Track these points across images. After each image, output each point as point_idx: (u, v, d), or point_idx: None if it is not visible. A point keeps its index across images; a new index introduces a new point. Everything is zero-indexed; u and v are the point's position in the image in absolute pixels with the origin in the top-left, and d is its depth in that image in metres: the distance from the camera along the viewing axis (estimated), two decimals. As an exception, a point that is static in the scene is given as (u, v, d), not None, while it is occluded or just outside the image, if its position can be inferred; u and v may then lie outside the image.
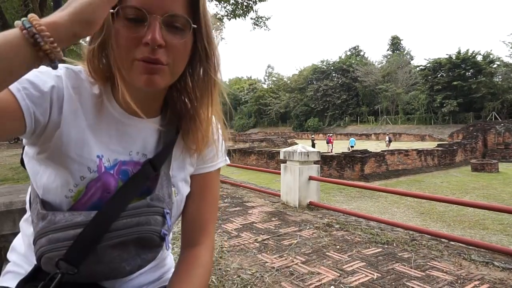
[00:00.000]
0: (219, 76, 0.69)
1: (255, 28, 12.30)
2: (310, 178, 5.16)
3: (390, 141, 28.37)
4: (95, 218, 0.61)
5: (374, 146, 28.49)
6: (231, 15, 11.58)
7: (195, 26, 0.62)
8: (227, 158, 0.84)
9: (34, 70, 0.55)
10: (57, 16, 0.48)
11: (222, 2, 11.25)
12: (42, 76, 0.60)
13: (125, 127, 0.69)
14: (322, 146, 26.44)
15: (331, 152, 22.49)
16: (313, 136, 30.95)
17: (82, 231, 0.59)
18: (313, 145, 25.76)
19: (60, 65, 0.64)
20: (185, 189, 0.77)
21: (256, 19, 12.04)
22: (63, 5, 0.58)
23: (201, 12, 0.62)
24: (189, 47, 0.64)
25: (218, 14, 11.69)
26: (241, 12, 11.46)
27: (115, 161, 0.68)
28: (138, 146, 0.71)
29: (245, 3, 11.27)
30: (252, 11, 11.54)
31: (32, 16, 0.46)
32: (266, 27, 12.32)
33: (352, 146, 25.87)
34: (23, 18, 0.46)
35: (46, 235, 0.60)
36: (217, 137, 0.78)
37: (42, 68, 0.58)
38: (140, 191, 0.67)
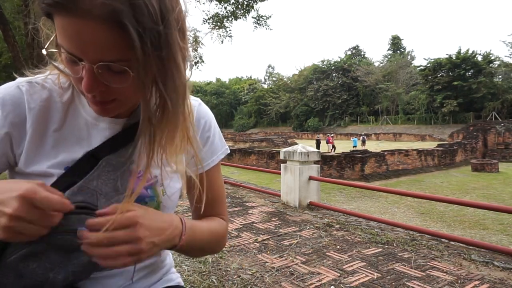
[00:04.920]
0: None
1: (256, 27, 12.23)
2: (310, 178, 5.16)
3: (364, 141, 28.69)
4: None
5: (374, 146, 28.54)
6: (232, 16, 11.53)
7: (132, 74, 0.51)
8: (227, 147, 0.82)
9: None
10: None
11: (222, 2, 11.21)
12: None
13: (99, 130, 0.66)
14: (325, 146, 26.44)
15: (331, 152, 22.48)
16: (318, 136, 31.03)
17: None
18: (318, 145, 25.81)
19: (22, 82, 0.63)
20: (175, 185, 0.74)
21: (257, 18, 11.99)
22: None
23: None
24: (142, 77, 0.52)
25: (219, 14, 11.66)
26: (242, 12, 11.42)
27: None
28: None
29: (245, 2, 11.23)
30: (253, 10, 11.49)
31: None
32: (268, 26, 12.26)
33: (354, 146, 25.89)
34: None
35: None
36: (209, 134, 0.76)
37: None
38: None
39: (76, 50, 0.50)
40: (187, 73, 0.60)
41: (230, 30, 12.39)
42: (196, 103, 0.76)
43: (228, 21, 11.77)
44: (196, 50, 11.96)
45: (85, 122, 0.66)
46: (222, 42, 12.47)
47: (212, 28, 11.96)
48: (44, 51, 0.56)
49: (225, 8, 11.42)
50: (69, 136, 0.65)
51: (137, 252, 0.55)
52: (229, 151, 0.82)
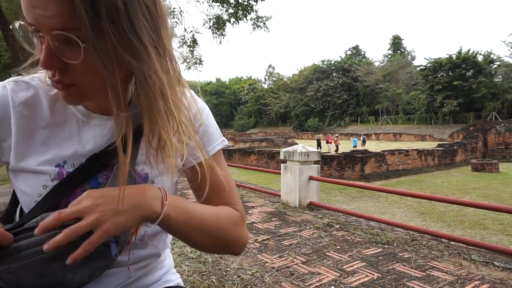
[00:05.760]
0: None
1: (254, 29, 12.18)
2: (310, 178, 5.16)
3: (364, 141, 28.72)
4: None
5: (374, 146, 28.56)
6: (234, 18, 11.52)
7: (84, 45, 0.49)
8: (224, 139, 0.78)
9: None
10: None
11: (225, 4, 11.20)
12: None
13: (90, 127, 0.66)
14: (325, 146, 26.41)
15: (331, 152, 22.45)
16: (318, 136, 31.04)
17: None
18: (319, 145, 25.76)
19: (9, 81, 0.65)
20: (168, 182, 0.72)
21: (256, 19, 11.96)
22: None
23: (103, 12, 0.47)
24: (97, 53, 0.49)
25: (220, 17, 11.67)
26: (242, 13, 11.40)
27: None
28: (105, 145, 0.66)
29: (245, 3, 11.21)
30: (252, 11, 11.46)
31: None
32: (266, 28, 12.21)
33: (354, 146, 25.88)
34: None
35: None
36: (201, 122, 0.72)
37: None
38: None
39: (31, 19, 0.49)
40: (169, 64, 0.57)
41: (226, 34, 12.42)
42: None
43: (230, 24, 11.77)
44: (192, 52, 12.00)
45: (76, 119, 0.66)
46: (220, 42, 12.47)
47: (213, 29, 11.97)
48: (13, 25, 0.54)
49: (227, 10, 11.42)
50: (59, 133, 0.65)
51: (94, 223, 0.52)
52: (226, 143, 0.78)
